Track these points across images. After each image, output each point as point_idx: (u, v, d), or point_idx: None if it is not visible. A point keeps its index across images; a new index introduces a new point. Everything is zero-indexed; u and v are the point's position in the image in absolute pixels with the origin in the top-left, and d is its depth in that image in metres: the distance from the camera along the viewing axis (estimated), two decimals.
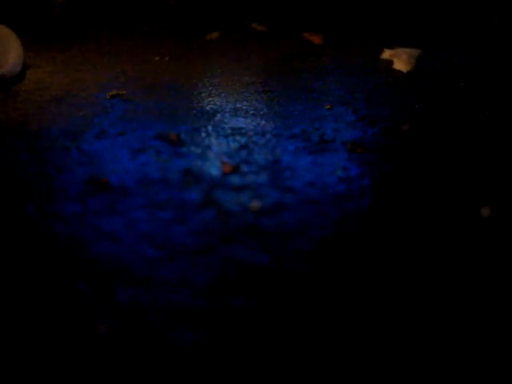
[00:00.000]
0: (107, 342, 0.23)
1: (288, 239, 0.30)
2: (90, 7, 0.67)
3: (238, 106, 0.47)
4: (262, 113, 0.45)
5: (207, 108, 0.46)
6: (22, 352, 0.23)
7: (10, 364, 0.22)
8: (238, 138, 0.41)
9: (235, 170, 0.35)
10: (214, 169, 0.36)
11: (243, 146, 0.39)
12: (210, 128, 0.42)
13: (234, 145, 0.40)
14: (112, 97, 0.48)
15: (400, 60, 0.55)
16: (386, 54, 0.58)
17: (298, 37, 0.64)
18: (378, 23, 0.69)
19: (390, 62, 0.56)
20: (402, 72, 0.55)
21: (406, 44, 0.59)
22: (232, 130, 0.42)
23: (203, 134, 0.41)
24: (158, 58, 0.57)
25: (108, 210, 0.31)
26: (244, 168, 0.36)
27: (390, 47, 0.58)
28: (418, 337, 0.24)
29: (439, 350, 0.23)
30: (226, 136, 0.41)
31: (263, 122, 0.43)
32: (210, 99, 0.48)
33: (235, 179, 0.34)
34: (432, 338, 0.24)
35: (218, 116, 0.45)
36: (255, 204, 0.32)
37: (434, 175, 0.36)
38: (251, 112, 0.45)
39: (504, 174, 0.37)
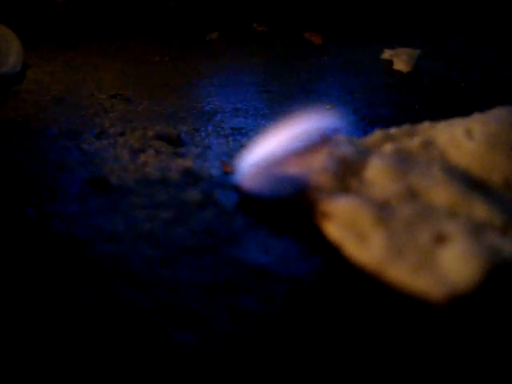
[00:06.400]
0: (108, 340, 0.23)
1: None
2: (91, 7, 0.67)
3: (238, 106, 0.47)
4: (262, 113, 0.45)
5: (207, 108, 0.46)
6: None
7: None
8: (238, 137, 0.41)
9: (235, 169, 0.35)
10: (214, 169, 0.36)
11: (243, 146, 0.39)
12: (210, 128, 0.42)
13: (234, 145, 0.40)
14: (112, 97, 0.48)
15: (400, 60, 0.55)
16: (386, 54, 0.58)
17: (298, 37, 0.64)
18: (378, 23, 0.69)
19: (390, 62, 0.56)
20: (402, 72, 0.55)
21: (405, 44, 0.59)
22: (232, 130, 0.42)
23: (203, 134, 0.41)
24: (158, 58, 0.57)
25: (108, 210, 0.32)
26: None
27: (390, 47, 0.58)
28: None
29: None
30: (226, 136, 0.41)
31: (263, 122, 0.43)
32: (210, 99, 0.48)
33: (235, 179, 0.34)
34: None
35: (218, 116, 0.45)
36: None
37: None
38: (251, 112, 0.45)
39: None
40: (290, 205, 0.30)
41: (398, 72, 0.54)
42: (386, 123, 0.42)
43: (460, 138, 0.32)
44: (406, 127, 0.35)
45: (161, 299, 0.25)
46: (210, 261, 0.28)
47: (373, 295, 0.26)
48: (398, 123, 0.35)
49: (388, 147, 0.32)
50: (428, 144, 0.32)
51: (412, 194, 0.29)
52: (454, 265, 0.25)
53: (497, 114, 0.33)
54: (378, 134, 0.34)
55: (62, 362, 0.22)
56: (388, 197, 0.29)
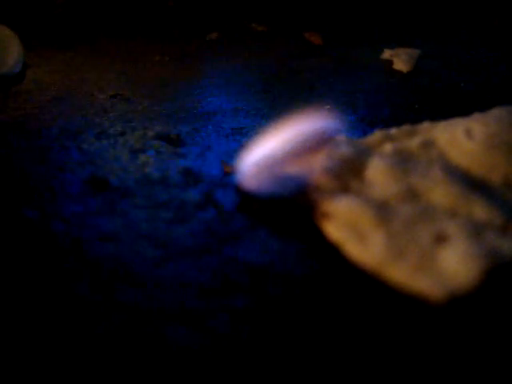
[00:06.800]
0: (107, 340, 0.23)
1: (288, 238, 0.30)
2: (91, 8, 0.67)
3: (238, 106, 0.47)
4: (262, 113, 0.45)
5: (207, 108, 0.46)
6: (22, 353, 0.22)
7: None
8: (238, 137, 0.41)
9: (235, 169, 0.35)
10: (214, 169, 0.36)
11: (243, 146, 0.39)
12: (210, 128, 0.42)
13: (234, 145, 0.40)
14: (112, 97, 0.48)
15: (400, 60, 0.55)
16: (386, 54, 0.58)
17: (298, 37, 0.64)
18: (377, 23, 0.69)
19: (390, 62, 0.56)
20: (401, 72, 0.55)
21: (405, 44, 0.59)
22: (232, 130, 0.42)
23: (203, 134, 0.41)
24: (158, 58, 0.57)
25: (108, 210, 0.31)
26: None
27: (390, 47, 0.58)
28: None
29: None
30: (226, 136, 0.41)
31: (263, 122, 0.43)
32: (210, 99, 0.48)
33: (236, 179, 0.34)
34: None
35: (218, 116, 0.45)
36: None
37: None
38: (251, 112, 0.45)
39: None
40: (290, 205, 0.30)
41: (398, 72, 0.54)
42: (385, 123, 0.42)
43: (460, 138, 0.32)
44: (405, 127, 0.35)
45: (160, 299, 0.25)
46: (210, 261, 0.28)
47: (373, 295, 0.26)
48: (398, 123, 0.35)
49: (388, 147, 0.32)
50: (428, 144, 0.32)
51: (412, 194, 0.29)
52: (454, 265, 0.25)
53: (497, 114, 0.33)
54: (377, 135, 0.34)
55: (61, 361, 0.22)
56: (388, 197, 0.29)
